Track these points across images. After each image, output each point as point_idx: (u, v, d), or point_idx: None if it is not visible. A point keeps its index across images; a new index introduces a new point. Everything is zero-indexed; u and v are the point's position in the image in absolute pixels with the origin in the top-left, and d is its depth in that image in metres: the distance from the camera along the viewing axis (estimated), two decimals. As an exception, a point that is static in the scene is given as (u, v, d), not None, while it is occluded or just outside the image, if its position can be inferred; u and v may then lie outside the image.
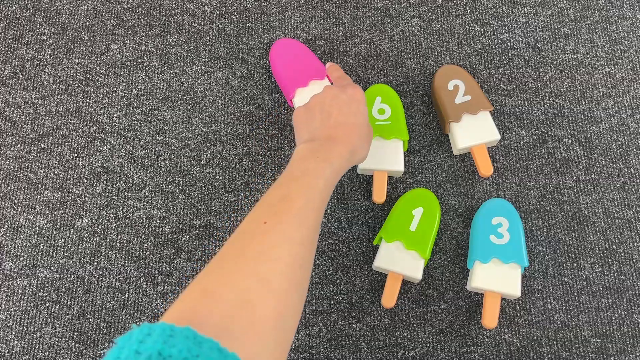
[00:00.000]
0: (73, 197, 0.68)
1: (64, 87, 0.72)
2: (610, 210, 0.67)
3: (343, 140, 0.54)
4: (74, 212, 0.67)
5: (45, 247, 0.66)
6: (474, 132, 0.67)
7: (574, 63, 0.73)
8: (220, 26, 0.75)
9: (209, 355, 0.31)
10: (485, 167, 0.66)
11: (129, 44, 0.74)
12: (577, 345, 0.62)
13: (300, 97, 0.69)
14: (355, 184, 0.69)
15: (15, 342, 0.63)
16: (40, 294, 0.64)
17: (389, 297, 0.62)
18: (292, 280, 0.43)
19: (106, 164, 0.69)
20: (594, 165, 0.69)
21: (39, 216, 0.67)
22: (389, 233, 0.64)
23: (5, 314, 0.64)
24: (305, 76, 0.69)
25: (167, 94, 0.72)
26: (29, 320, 0.63)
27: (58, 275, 0.65)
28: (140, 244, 0.66)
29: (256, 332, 0.37)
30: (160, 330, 0.32)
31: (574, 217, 0.67)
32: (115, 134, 0.70)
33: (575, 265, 0.65)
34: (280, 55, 0.71)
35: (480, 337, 0.63)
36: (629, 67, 0.73)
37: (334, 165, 0.51)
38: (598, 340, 0.63)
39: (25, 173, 0.69)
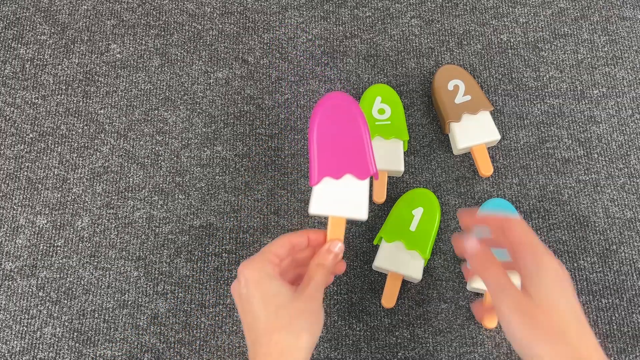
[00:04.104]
0: (73, 197, 0.68)
1: (64, 87, 0.72)
2: (610, 210, 0.67)
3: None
4: (74, 212, 0.67)
5: (45, 247, 0.66)
6: (474, 132, 0.67)
7: (574, 63, 0.73)
8: (220, 26, 0.75)
9: None
10: (485, 167, 0.66)
11: (129, 44, 0.74)
12: (577, 345, 0.62)
13: (324, 189, 0.50)
14: (355, 184, 0.69)
15: (15, 342, 0.63)
16: (40, 294, 0.64)
17: (389, 297, 0.62)
18: None
19: (106, 164, 0.69)
20: (594, 165, 0.69)
21: (39, 216, 0.67)
22: (389, 233, 0.64)
23: (5, 314, 0.64)
24: (342, 165, 0.50)
25: (167, 94, 0.72)
26: (29, 320, 0.63)
27: (58, 275, 0.65)
28: (140, 244, 0.66)
29: None
30: None
31: (574, 217, 0.67)
32: (115, 134, 0.70)
33: (575, 265, 0.65)
34: (327, 118, 0.50)
35: (480, 337, 0.63)
36: (629, 67, 0.73)
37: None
38: (598, 340, 0.62)
39: (25, 173, 0.69)
